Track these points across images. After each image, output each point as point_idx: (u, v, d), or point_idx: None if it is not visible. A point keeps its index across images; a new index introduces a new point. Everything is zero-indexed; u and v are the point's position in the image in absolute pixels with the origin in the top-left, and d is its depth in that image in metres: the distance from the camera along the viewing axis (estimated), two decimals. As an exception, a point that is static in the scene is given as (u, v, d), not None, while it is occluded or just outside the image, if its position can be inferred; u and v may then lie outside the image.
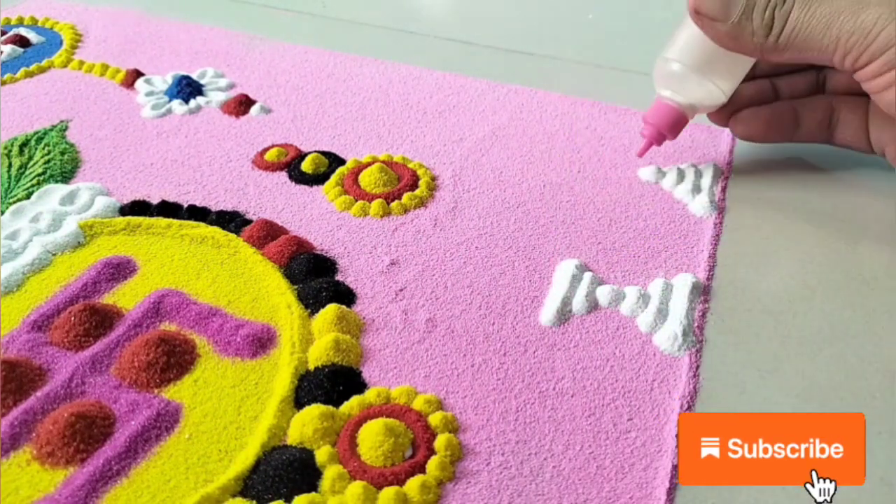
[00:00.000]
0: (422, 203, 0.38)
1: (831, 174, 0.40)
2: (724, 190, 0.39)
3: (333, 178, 0.40)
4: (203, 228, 0.36)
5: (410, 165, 0.41)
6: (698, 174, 0.40)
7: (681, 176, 0.40)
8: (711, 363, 0.30)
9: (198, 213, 0.37)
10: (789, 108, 0.38)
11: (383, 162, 0.41)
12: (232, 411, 0.28)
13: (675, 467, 0.26)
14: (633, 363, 0.30)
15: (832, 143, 0.38)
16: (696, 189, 0.39)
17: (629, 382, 0.29)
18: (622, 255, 0.35)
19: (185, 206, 0.38)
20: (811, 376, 0.29)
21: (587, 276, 0.34)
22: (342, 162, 0.41)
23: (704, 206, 0.37)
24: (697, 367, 0.30)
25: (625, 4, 0.60)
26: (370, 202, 0.38)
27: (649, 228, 0.37)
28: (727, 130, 0.43)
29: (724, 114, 0.39)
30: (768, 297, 0.33)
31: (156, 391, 0.29)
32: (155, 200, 0.38)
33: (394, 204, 0.38)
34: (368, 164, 0.40)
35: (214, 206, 0.38)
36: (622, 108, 0.46)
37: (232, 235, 0.36)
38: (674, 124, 0.37)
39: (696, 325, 0.31)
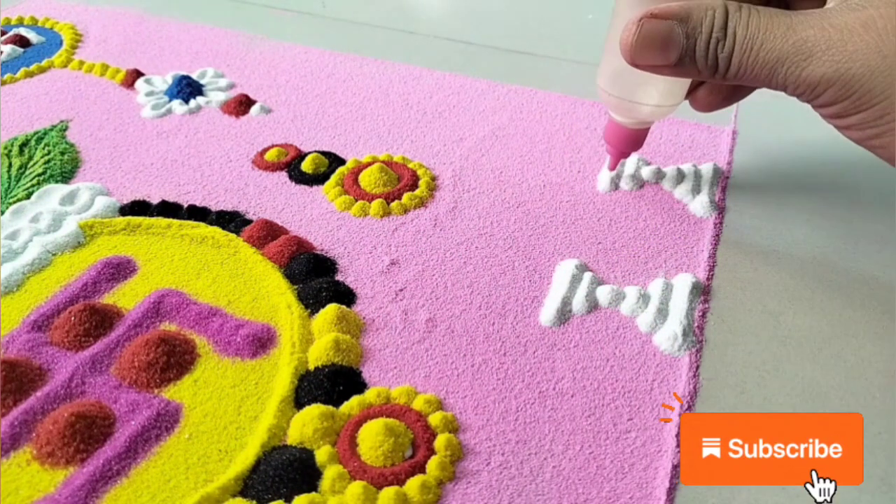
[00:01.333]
0: (422, 203, 0.38)
1: (832, 175, 0.40)
2: (724, 190, 0.39)
3: (333, 178, 0.40)
4: (203, 228, 0.36)
5: (410, 165, 0.41)
6: (698, 174, 0.40)
7: (681, 176, 0.40)
8: (711, 363, 0.30)
9: (198, 213, 0.37)
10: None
11: (383, 162, 0.41)
12: (232, 411, 0.28)
13: (675, 467, 0.26)
14: (633, 363, 0.30)
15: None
16: (697, 189, 0.39)
17: (629, 382, 0.29)
18: (622, 255, 0.35)
19: (186, 206, 0.38)
20: (811, 376, 0.29)
21: (587, 276, 0.34)
22: (342, 162, 0.41)
23: (705, 206, 0.37)
24: (697, 367, 0.30)
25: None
26: (370, 202, 0.38)
27: (649, 228, 0.37)
28: (728, 130, 0.43)
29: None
30: (769, 298, 0.33)
31: (156, 391, 0.29)
32: (155, 200, 0.38)
33: (394, 204, 0.38)
34: (368, 164, 0.40)
35: (214, 205, 0.38)
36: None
37: (232, 235, 0.36)
38: (634, 142, 0.36)
39: (696, 325, 0.31)
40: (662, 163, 0.41)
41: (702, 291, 0.33)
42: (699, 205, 0.38)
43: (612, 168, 0.38)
